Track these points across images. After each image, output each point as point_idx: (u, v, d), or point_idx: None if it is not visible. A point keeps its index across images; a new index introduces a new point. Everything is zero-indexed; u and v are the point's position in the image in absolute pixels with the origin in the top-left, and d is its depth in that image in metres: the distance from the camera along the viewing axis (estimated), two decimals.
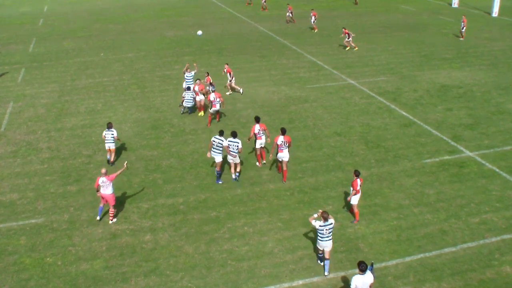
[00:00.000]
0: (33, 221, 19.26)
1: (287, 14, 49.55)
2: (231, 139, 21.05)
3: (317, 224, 15.67)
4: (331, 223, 15.68)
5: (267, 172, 22.24)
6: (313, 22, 49.38)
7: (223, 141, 20.96)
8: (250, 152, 23.98)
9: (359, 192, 18.41)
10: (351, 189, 18.42)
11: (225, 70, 31.95)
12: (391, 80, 34.10)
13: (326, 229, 15.67)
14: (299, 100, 30.84)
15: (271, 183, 21.40)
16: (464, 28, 44.67)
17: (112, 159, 23.11)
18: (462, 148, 24.20)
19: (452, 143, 24.77)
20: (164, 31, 51.83)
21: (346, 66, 37.39)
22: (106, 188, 18.51)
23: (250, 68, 37.58)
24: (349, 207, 19.42)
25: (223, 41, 46.33)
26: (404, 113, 28.51)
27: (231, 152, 21.03)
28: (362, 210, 19.30)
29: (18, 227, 18.90)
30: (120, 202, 20.19)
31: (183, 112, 28.99)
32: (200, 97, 28.38)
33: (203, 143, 25.12)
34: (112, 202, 18.70)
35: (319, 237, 15.84)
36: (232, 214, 19.37)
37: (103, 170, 18.48)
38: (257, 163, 22.84)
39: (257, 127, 22.09)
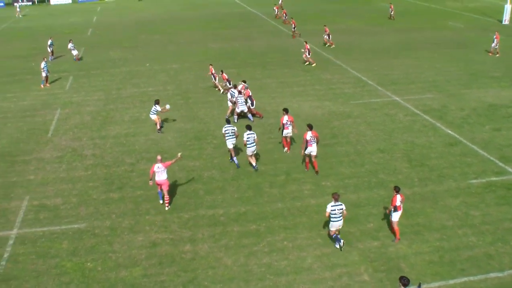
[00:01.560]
0: (75, 226, 19.63)
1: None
2: (248, 132, 23.19)
3: (329, 206, 17.48)
4: (341, 204, 17.58)
5: (309, 187, 22.12)
6: (327, 38, 49.45)
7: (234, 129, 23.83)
8: (291, 165, 23.93)
9: (400, 209, 18.12)
10: (391, 206, 18.26)
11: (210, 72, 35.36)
12: (437, 98, 33.56)
13: (337, 209, 17.45)
14: (342, 115, 30.67)
15: (312, 198, 21.27)
16: (497, 44, 43.92)
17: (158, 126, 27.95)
18: (510, 170, 23.56)
19: (500, 164, 24.13)
20: (209, 43, 52.44)
21: (391, 82, 37.02)
22: (161, 174, 20.28)
23: (294, 82, 37.60)
24: (390, 225, 19.11)
25: (267, 55, 46.53)
26: (449, 131, 27.99)
27: (249, 144, 23.19)
28: (404, 229, 18.94)
29: (61, 231, 19.28)
30: (159, 211, 20.41)
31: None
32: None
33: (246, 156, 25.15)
34: (166, 187, 20.48)
35: (332, 219, 17.60)
36: (272, 228, 19.31)
37: (159, 157, 20.41)
38: (285, 149, 25.46)
39: (285, 118, 24.62)
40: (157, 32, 59.89)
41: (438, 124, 29.01)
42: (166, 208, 20.56)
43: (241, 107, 29.79)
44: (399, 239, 18.42)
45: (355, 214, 20.04)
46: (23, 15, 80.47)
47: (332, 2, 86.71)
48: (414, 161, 24.48)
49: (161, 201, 20.97)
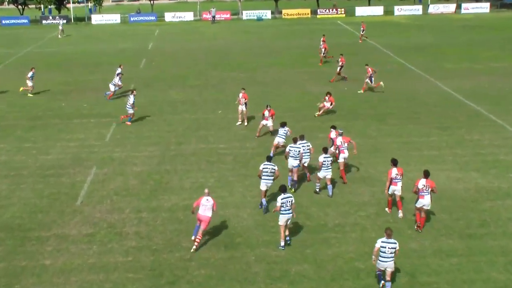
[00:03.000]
0: None
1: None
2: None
3: (379, 241, 21.19)
4: (395, 242, 21.15)
5: None
6: (369, 80, 49.38)
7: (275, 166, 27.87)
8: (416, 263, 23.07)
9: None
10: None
11: (240, 97, 40.83)
12: None
13: (388, 247, 20.96)
14: (497, 194, 29.76)
15: None
16: None
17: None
18: None
19: None
20: (306, 85, 52.97)
21: None
22: (207, 210, 24.13)
23: (425, 143, 36.98)
24: None
25: (387, 103, 46.14)
26: None
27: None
28: None
29: None
30: None
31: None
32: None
33: (352, 246, 24.59)
34: (205, 225, 24.29)
35: (380, 257, 21.12)
36: None
37: (206, 190, 24.45)
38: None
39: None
40: (235, 67, 61.14)
41: None
42: (192, 249, 24.18)
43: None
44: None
45: None
46: (66, 35, 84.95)
47: (472, 28, 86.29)
48: None
49: (193, 237, 24.70)
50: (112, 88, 48.22)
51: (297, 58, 65.10)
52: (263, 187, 27.74)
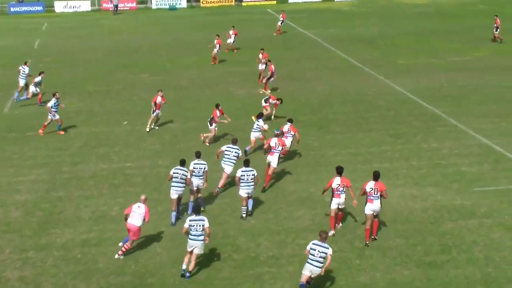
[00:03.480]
0: None
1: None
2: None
3: (310, 243, 23.22)
4: (327, 247, 22.88)
5: None
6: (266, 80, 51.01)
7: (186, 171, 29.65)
8: None
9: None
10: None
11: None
12: None
13: (318, 250, 22.82)
14: (459, 213, 30.37)
15: None
16: None
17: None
18: None
19: None
20: (231, 88, 53.20)
21: None
22: (136, 218, 26.13)
23: (375, 154, 37.68)
24: None
25: (331, 107, 46.70)
26: None
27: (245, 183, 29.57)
28: None
29: None
30: None
31: None
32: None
33: (289, 282, 24.71)
34: (135, 236, 26.32)
35: (308, 260, 22.97)
36: None
37: (143, 197, 26.66)
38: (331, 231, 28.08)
39: (336, 181, 27.95)
40: (145, 68, 60.98)
41: None
42: (116, 255, 26.28)
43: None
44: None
45: None
46: None
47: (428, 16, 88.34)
48: None
49: (120, 244, 26.74)
50: (32, 89, 48.14)
51: (219, 56, 65.13)
52: (173, 195, 29.47)
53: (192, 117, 44.90)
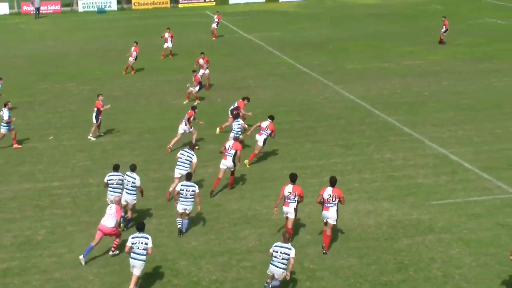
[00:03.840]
0: None
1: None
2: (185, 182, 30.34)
3: (273, 245, 24.70)
4: (290, 248, 24.42)
5: None
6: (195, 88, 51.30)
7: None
8: None
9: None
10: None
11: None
12: None
13: (281, 252, 24.29)
14: (416, 228, 30.66)
15: None
16: None
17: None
18: None
19: None
20: (167, 98, 53.08)
21: (509, 164, 37.18)
22: (108, 218, 27.51)
23: (325, 167, 37.87)
24: None
25: (277, 117, 46.77)
26: None
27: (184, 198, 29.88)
28: None
29: None
30: None
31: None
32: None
33: None
34: (112, 236, 27.96)
35: (271, 260, 24.61)
36: None
37: (117, 198, 28.86)
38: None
39: (288, 188, 28.73)
40: (72, 77, 60.54)
41: None
42: (111, 252, 28.30)
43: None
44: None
45: None
46: None
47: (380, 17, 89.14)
48: None
49: (81, 256, 27.46)
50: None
51: (154, 63, 65.04)
52: (108, 197, 30.79)
53: (124, 129, 44.78)
